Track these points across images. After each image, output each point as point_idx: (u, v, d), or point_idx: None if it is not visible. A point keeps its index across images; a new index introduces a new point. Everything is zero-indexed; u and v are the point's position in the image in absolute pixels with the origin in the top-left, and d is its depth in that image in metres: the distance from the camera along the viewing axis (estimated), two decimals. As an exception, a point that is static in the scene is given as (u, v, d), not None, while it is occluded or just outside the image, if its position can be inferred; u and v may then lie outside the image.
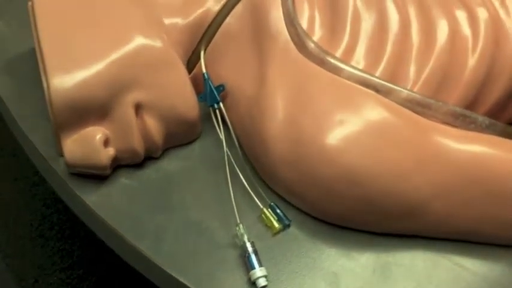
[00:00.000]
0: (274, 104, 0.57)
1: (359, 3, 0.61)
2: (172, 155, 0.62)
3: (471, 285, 0.55)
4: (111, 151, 0.57)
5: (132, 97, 0.57)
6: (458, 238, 0.57)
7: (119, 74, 0.57)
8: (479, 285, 0.55)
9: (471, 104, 0.60)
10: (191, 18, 0.62)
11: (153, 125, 0.59)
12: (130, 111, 0.57)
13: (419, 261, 0.56)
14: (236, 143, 0.59)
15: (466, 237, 0.57)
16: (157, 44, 0.59)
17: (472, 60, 0.59)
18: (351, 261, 0.56)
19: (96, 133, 0.57)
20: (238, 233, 0.55)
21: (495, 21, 0.60)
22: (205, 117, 0.62)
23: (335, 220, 0.57)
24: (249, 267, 0.54)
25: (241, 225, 0.56)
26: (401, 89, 0.57)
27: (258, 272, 0.54)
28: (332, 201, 0.55)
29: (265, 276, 0.54)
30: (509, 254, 0.57)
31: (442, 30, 0.59)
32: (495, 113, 0.61)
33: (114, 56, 0.57)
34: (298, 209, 0.58)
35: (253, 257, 0.54)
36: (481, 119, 0.57)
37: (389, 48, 0.59)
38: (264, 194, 0.58)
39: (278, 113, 0.56)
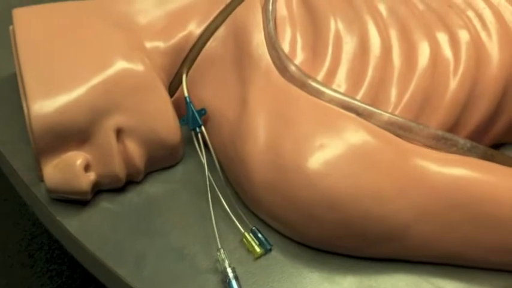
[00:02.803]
0: (255, 128, 0.56)
1: (341, 26, 0.61)
2: (155, 179, 0.62)
3: (453, 309, 0.55)
4: (91, 176, 0.57)
5: (113, 122, 0.57)
6: (440, 262, 0.57)
7: (99, 98, 0.57)
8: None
9: (453, 127, 0.60)
10: (173, 41, 0.62)
11: (135, 150, 0.58)
12: (111, 136, 0.57)
13: (402, 284, 0.56)
14: (218, 167, 0.59)
15: (447, 261, 0.57)
16: (139, 68, 0.59)
17: (453, 83, 0.59)
18: (334, 286, 0.56)
19: (77, 158, 0.57)
20: (219, 259, 0.55)
21: (476, 44, 0.60)
22: (188, 141, 0.62)
23: (316, 244, 0.57)
24: (230, 292, 0.54)
25: (222, 251, 0.55)
26: (383, 112, 0.56)
27: (239, 297, 0.53)
28: (313, 226, 0.55)
29: (245, 302, 0.53)
30: (492, 277, 0.57)
31: (424, 53, 0.59)
32: (477, 135, 0.61)
33: (95, 80, 0.57)
34: (280, 233, 0.58)
35: (234, 283, 0.54)
36: (462, 141, 0.57)
37: (370, 71, 0.59)
38: (245, 218, 0.58)
39: (259, 137, 0.56)
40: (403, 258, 0.57)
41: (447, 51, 0.60)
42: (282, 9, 0.62)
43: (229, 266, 0.55)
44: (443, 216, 0.54)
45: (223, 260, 0.55)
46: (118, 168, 0.58)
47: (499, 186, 0.55)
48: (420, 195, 0.54)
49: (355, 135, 0.55)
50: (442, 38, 0.60)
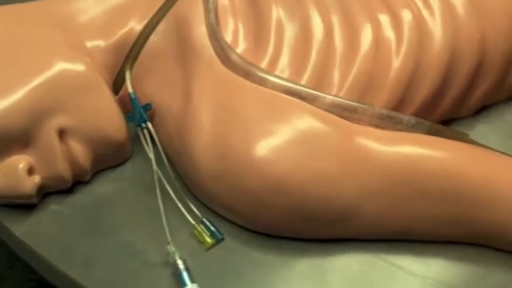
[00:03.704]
0: (200, 119, 0.56)
1: (282, 13, 0.61)
2: (104, 178, 0.62)
3: (407, 284, 0.55)
4: (36, 179, 0.57)
5: (55, 123, 0.57)
6: (391, 238, 0.57)
7: (39, 100, 0.56)
8: (416, 284, 0.55)
9: (398, 105, 0.60)
10: (114, 39, 0.62)
11: (79, 149, 0.58)
12: (54, 137, 0.56)
13: (355, 264, 0.56)
14: (165, 161, 0.59)
15: (399, 237, 0.57)
16: (80, 67, 0.58)
17: (396, 63, 0.59)
18: (287, 270, 0.56)
19: (20, 162, 0.56)
20: (170, 252, 0.55)
21: (419, 22, 0.60)
22: (136, 137, 0.61)
23: (268, 230, 0.57)
24: (181, 284, 0.53)
25: (171, 243, 0.55)
26: (326, 95, 0.57)
27: (190, 288, 0.53)
28: (263, 212, 0.55)
29: (197, 293, 0.53)
30: (444, 249, 0.57)
31: (366, 35, 0.59)
32: (424, 112, 0.61)
33: (35, 83, 0.57)
34: (232, 222, 0.58)
35: (185, 274, 0.54)
36: (407, 118, 0.57)
37: (313, 56, 0.59)
38: (196, 210, 0.58)
39: (204, 128, 0.56)
40: (355, 237, 0.57)
41: (389, 32, 0.60)
42: (223, 0, 0.62)
43: (180, 258, 0.54)
44: (391, 193, 0.54)
45: (173, 253, 0.55)
46: (62, 169, 0.57)
47: (445, 160, 0.55)
48: (366, 174, 0.54)
49: (300, 120, 0.55)
50: (384, 19, 0.60)
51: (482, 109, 0.68)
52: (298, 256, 0.57)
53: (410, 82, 0.59)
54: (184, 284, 0.53)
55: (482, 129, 0.67)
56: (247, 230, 0.58)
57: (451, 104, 0.63)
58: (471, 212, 0.55)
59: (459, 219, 0.55)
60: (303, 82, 0.58)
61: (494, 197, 0.55)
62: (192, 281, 0.54)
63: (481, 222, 0.55)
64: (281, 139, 0.54)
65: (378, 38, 0.59)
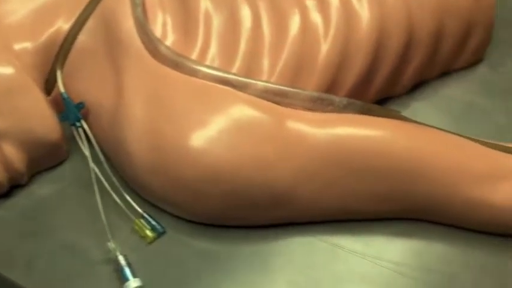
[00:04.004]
0: (133, 113, 0.56)
1: (210, 4, 0.61)
2: (43, 179, 0.61)
3: (350, 263, 0.56)
4: (-30, 185, 0.56)
5: (-14, 127, 0.56)
6: (331, 219, 0.58)
7: (-32, 106, 0.56)
8: (356, 262, 0.56)
9: (331, 87, 0.60)
10: (42, 39, 0.61)
11: (12, 152, 0.58)
12: (-15, 142, 0.56)
13: (296, 246, 0.57)
14: (102, 158, 0.58)
15: (338, 217, 0.58)
16: (8, 70, 0.58)
17: (325, 46, 0.60)
18: (230, 259, 0.56)
19: (-47, 168, 0.56)
20: (111, 248, 0.55)
21: (345, 5, 0.61)
22: (73, 137, 0.61)
23: (208, 220, 0.57)
24: (123, 280, 0.53)
25: (112, 240, 0.55)
26: (257, 82, 0.57)
27: (132, 283, 0.53)
28: (201, 202, 0.55)
29: (140, 287, 0.53)
30: (384, 226, 0.58)
31: (293, 21, 0.60)
32: (357, 92, 0.62)
33: (-38, 88, 0.56)
34: (172, 214, 0.58)
35: (126, 270, 0.54)
36: (338, 99, 0.58)
37: (242, 44, 0.59)
38: (136, 205, 0.58)
39: (137, 122, 0.56)
40: (295, 221, 0.58)
41: (316, 16, 0.61)
42: None
43: (121, 254, 0.54)
44: (325, 174, 0.55)
45: (114, 250, 0.55)
46: (-3, 174, 0.57)
47: (376, 138, 0.56)
48: (300, 157, 0.55)
49: (232, 108, 0.55)
50: (311, 3, 0.61)
51: (417, 86, 0.69)
52: (241, 243, 0.57)
53: (340, 64, 0.60)
54: (126, 279, 0.53)
55: (417, 106, 0.68)
56: (188, 221, 0.58)
57: (383, 82, 0.64)
58: (406, 187, 0.56)
59: (394, 195, 0.56)
60: (234, 70, 0.58)
61: (427, 170, 0.56)
62: (134, 275, 0.54)
63: (416, 196, 0.56)
64: (214, 128, 0.54)
65: (306, 23, 0.60)
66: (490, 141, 0.60)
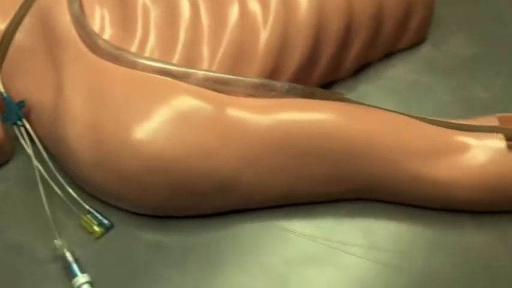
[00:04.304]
0: (73, 109, 0.56)
1: (148, -5, 0.61)
2: (-13, 181, 0.60)
3: (300, 246, 0.56)
4: None
5: None
6: (279, 203, 0.58)
7: None
8: (308, 244, 0.56)
9: (273, 73, 0.60)
10: (-22, 40, 0.61)
11: (-46, 155, 0.57)
12: None
13: (247, 233, 0.57)
14: (45, 156, 0.58)
15: (286, 201, 0.58)
16: None
17: (264, 33, 0.60)
18: (181, 250, 0.56)
19: None
20: (57, 246, 0.54)
21: None
22: (17, 136, 0.60)
23: (155, 211, 0.57)
24: (71, 276, 0.53)
25: (59, 238, 0.54)
26: (198, 71, 0.57)
27: (80, 279, 0.53)
28: (147, 194, 0.55)
29: (88, 282, 0.53)
30: (333, 208, 0.58)
31: (232, 10, 0.60)
32: (300, 77, 0.62)
33: None
34: (120, 208, 0.58)
35: (74, 266, 0.53)
36: (279, 85, 0.58)
37: (181, 34, 0.59)
38: (82, 201, 0.57)
39: (78, 117, 0.56)
40: (244, 207, 0.58)
41: (255, 4, 0.61)
42: None
43: (68, 251, 0.54)
44: (270, 159, 0.55)
45: (61, 247, 0.54)
46: None
47: (319, 120, 0.56)
48: (242, 143, 0.55)
49: (173, 98, 0.55)
50: None
51: (362, 69, 0.70)
52: (190, 234, 0.57)
53: (281, 50, 0.60)
54: (74, 275, 0.53)
55: (363, 88, 0.68)
56: (136, 214, 0.58)
57: (326, 66, 0.64)
58: (351, 168, 0.56)
59: (341, 176, 0.57)
60: (174, 61, 0.58)
61: (372, 149, 0.56)
62: (83, 271, 0.53)
63: (362, 176, 0.57)
64: (155, 119, 0.54)
65: (244, 11, 0.60)
66: (434, 118, 0.61)
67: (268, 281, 0.55)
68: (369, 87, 0.68)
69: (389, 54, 0.71)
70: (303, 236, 0.57)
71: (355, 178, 0.57)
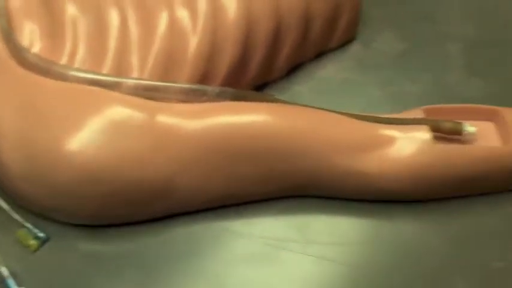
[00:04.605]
0: (4, 124, 0.56)
1: (75, 8, 0.61)
2: None
3: (237, 246, 0.58)
4: None
5: None
6: (216, 205, 0.59)
7: None
8: (244, 243, 0.58)
9: (204, 78, 0.61)
10: None
11: None
12: None
13: (184, 237, 0.58)
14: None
15: (223, 203, 0.59)
16: None
17: (194, 39, 0.61)
18: (118, 258, 0.57)
19: None
20: (-7, 261, 0.54)
21: None
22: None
23: (91, 222, 0.58)
24: (8, 291, 0.53)
25: (-8, 253, 0.55)
26: (128, 80, 0.58)
27: (18, 293, 0.53)
28: (80, 205, 0.56)
29: (27, 296, 0.53)
30: (267, 207, 0.60)
31: (161, 18, 0.61)
32: (232, 81, 0.63)
33: None
34: (56, 220, 0.58)
35: (10, 280, 0.53)
36: (210, 89, 0.59)
37: (111, 44, 0.60)
38: (16, 216, 0.57)
39: (9, 132, 0.56)
40: (181, 211, 0.59)
41: (183, 11, 0.61)
42: (15, 2, 0.62)
43: (3, 266, 0.54)
44: (203, 163, 0.56)
45: (-4, 262, 0.54)
46: None
47: (250, 122, 0.57)
48: (175, 149, 0.56)
49: (103, 108, 0.56)
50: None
51: (294, 69, 0.71)
52: (127, 241, 0.58)
53: (211, 54, 0.61)
54: (12, 290, 0.53)
55: (296, 89, 0.70)
56: (72, 225, 0.58)
57: (258, 68, 0.65)
58: (285, 166, 0.58)
59: (276, 174, 0.58)
60: (104, 71, 0.58)
61: (303, 147, 0.57)
62: (20, 285, 0.53)
63: (296, 173, 0.58)
64: (87, 129, 0.54)
65: (173, 19, 0.61)
66: (364, 113, 0.63)
67: (206, 283, 0.55)
68: (302, 88, 0.70)
69: (320, 54, 0.72)
70: (239, 235, 0.58)
71: (289, 176, 0.58)
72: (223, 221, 0.59)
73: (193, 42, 0.61)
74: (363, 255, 0.57)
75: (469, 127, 0.60)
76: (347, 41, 0.73)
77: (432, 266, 0.56)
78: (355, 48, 0.73)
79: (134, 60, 0.60)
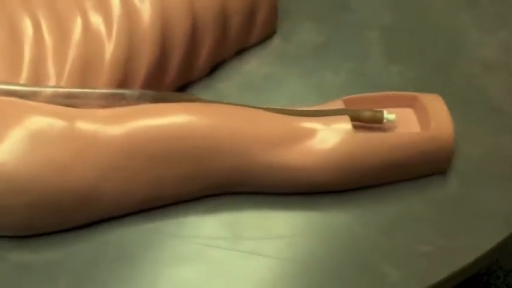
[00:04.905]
0: None
1: (-13, 18, 0.60)
2: None
3: (167, 246, 0.58)
4: None
5: None
6: (143, 208, 0.59)
7: None
8: (174, 244, 0.58)
9: (123, 82, 0.61)
10: None
11: None
12: None
13: (114, 241, 0.58)
14: None
15: (151, 205, 0.59)
16: None
17: (109, 44, 0.60)
18: (50, 267, 0.56)
19: None
20: None
21: (125, 1, 0.61)
22: None
23: (18, 232, 0.57)
24: None
25: None
26: (46, 88, 0.57)
27: None
28: (5, 216, 0.55)
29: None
30: (196, 206, 0.60)
31: (75, 25, 0.60)
32: (153, 83, 0.64)
33: None
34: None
35: None
36: (129, 92, 0.59)
37: (26, 53, 0.59)
38: None
39: None
40: (108, 216, 0.58)
41: (97, 17, 0.61)
42: None
43: None
44: (126, 167, 0.56)
45: None
46: None
47: (170, 123, 0.57)
48: (97, 155, 0.55)
49: (22, 118, 0.55)
50: (90, 5, 0.61)
51: (217, 67, 0.71)
52: (58, 249, 0.57)
53: (128, 58, 0.61)
54: None
55: (220, 87, 0.70)
56: (1, 236, 0.57)
57: (178, 69, 0.66)
58: (209, 164, 0.58)
59: (201, 173, 0.58)
60: (21, 81, 0.58)
61: (226, 144, 0.58)
62: None
63: (220, 171, 0.58)
64: (7, 141, 0.54)
65: (87, 25, 0.60)
66: (286, 107, 0.63)
67: (139, 286, 0.55)
68: (225, 85, 0.70)
69: (242, 50, 0.73)
70: (170, 236, 0.58)
71: (213, 174, 0.59)
72: (153, 223, 0.59)
73: (109, 47, 0.60)
74: (293, 248, 0.58)
75: (389, 115, 0.61)
76: (267, 35, 0.74)
77: (362, 254, 0.58)
78: (275, 42, 0.74)
79: (50, 68, 0.59)
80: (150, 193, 0.58)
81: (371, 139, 0.59)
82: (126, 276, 0.56)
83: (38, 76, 0.59)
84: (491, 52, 0.73)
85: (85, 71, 0.60)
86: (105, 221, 0.59)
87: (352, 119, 0.61)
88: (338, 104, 0.62)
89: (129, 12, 0.61)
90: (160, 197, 0.59)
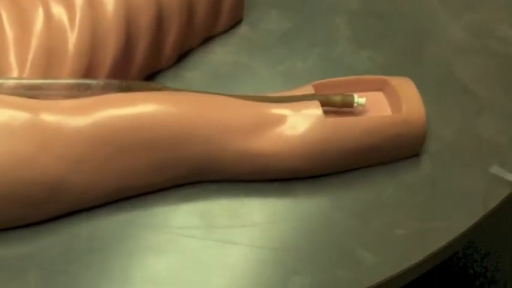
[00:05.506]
0: None
1: None
2: None
3: (141, 237, 0.57)
4: None
5: None
6: (114, 199, 0.58)
7: None
8: (148, 234, 0.57)
9: (88, 72, 0.60)
10: None
11: None
12: None
13: (85, 233, 0.57)
14: None
15: (120, 196, 0.58)
16: None
17: (72, 34, 0.59)
18: (29, 259, 0.55)
19: None
20: None
21: None
22: None
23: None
24: None
25: None
26: (8, 80, 0.56)
27: None
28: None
29: None
30: (167, 196, 0.59)
31: (37, 16, 0.59)
32: (119, 72, 0.62)
33: None
34: None
35: None
36: (95, 82, 0.57)
37: (-14, 45, 0.57)
38: None
39: None
40: (78, 207, 0.57)
41: (59, 7, 0.60)
42: None
43: None
44: (93, 158, 0.55)
45: None
46: None
47: (136, 112, 0.56)
48: (62, 146, 0.54)
49: (-15, 111, 0.53)
50: None
51: (185, 56, 0.70)
52: (28, 242, 0.56)
53: (92, 48, 0.60)
54: None
55: (187, 75, 0.69)
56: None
57: (145, 58, 0.64)
58: (179, 152, 0.57)
59: (170, 162, 0.57)
60: (-18, 73, 0.56)
61: (195, 132, 0.57)
62: None
63: (191, 159, 0.57)
64: None
65: (49, 15, 0.59)
66: (256, 94, 0.62)
67: (112, 277, 0.54)
68: (193, 73, 0.69)
69: (209, 39, 0.72)
70: (142, 226, 0.57)
71: (183, 163, 0.57)
72: (126, 213, 0.58)
73: (72, 37, 0.59)
74: (268, 235, 0.57)
75: (359, 99, 0.60)
76: (234, 23, 0.73)
77: (337, 239, 0.57)
78: (242, 30, 0.73)
79: (12, 59, 0.58)
80: (120, 184, 0.57)
81: (342, 123, 0.59)
82: (98, 268, 0.55)
83: (0, 68, 0.57)
84: (460, 34, 0.73)
85: (48, 62, 0.58)
86: (76, 213, 0.57)
87: (323, 104, 0.60)
88: (308, 90, 0.61)
89: (92, 1, 0.60)
90: (130, 187, 0.57)
